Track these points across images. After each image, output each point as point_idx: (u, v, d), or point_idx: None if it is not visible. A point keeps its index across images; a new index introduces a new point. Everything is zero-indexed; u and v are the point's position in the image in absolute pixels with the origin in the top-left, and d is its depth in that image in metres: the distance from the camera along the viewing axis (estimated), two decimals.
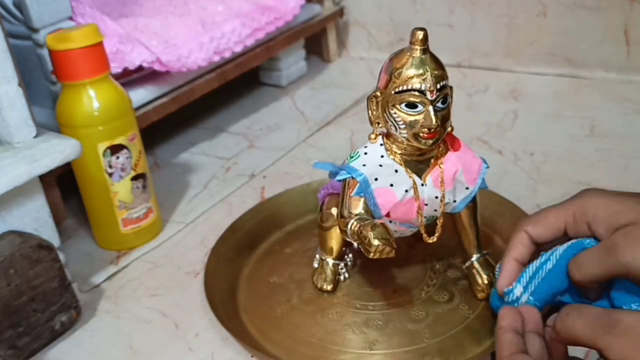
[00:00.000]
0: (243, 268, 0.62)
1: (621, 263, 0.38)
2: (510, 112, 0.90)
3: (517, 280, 0.45)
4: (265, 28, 0.89)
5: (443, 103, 0.46)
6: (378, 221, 0.46)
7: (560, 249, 0.43)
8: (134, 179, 0.65)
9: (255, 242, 0.65)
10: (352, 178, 0.48)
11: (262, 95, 1.04)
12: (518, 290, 0.45)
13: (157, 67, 0.76)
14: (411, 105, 0.46)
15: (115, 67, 0.71)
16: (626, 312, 0.38)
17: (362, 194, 0.48)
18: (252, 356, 0.53)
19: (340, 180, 0.50)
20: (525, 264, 0.46)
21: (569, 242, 0.43)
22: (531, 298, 0.44)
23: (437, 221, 0.51)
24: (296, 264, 0.62)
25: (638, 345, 0.36)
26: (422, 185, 0.49)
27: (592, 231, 0.42)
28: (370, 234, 0.44)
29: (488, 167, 0.51)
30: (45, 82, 0.68)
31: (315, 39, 1.11)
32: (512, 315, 0.44)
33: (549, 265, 0.43)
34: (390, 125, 0.47)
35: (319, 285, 0.57)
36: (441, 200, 0.50)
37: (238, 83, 0.98)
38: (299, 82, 1.07)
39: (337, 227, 0.52)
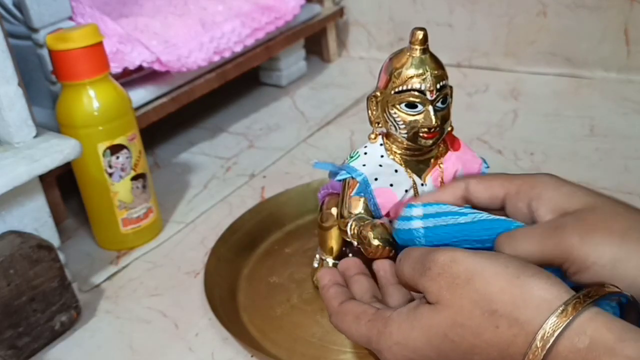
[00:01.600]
0: (243, 268, 0.62)
1: (565, 245, 0.35)
2: (510, 112, 0.90)
3: (423, 204, 0.41)
4: (265, 28, 0.89)
5: (443, 103, 0.46)
6: (378, 221, 0.46)
7: (486, 215, 0.39)
8: (134, 179, 0.65)
9: (255, 242, 0.65)
10: (352, 178, 0.48)
11: (262, 95, 1.04)
12: (418, 211, 0.41)
13: (157, 67, 0.76)
14: (411, 105, 0.46)
15: (115, 67, 0.71)
16: (442, 250, 0.36)
17: (362, 194, 0.48)
18: (252, 356, 0.53)
19: (340, 180, 0.50)
20: None
21: (498, 217, 0.39)
22: (422, 230, 0.41)
23: None
24: (296, 264, 0.62)
25: (451, 285, 0.34)
26: (422, 185, 0.49)
27: (532, 211, 0.38)
28: (370, 234, 0.44)
29: (488, 167, 0.51)
30: (45, 82, 0.68)
31: (315, 38, 1.10)
32: (330, 272, 0.44)
33: (463, 219, 0.40)
34: (390, 125, 0.47)
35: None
36: None
37: (238, 83, 0.98)
38: (299, 82, 1.07)
39: (337, 227, 0.52)
